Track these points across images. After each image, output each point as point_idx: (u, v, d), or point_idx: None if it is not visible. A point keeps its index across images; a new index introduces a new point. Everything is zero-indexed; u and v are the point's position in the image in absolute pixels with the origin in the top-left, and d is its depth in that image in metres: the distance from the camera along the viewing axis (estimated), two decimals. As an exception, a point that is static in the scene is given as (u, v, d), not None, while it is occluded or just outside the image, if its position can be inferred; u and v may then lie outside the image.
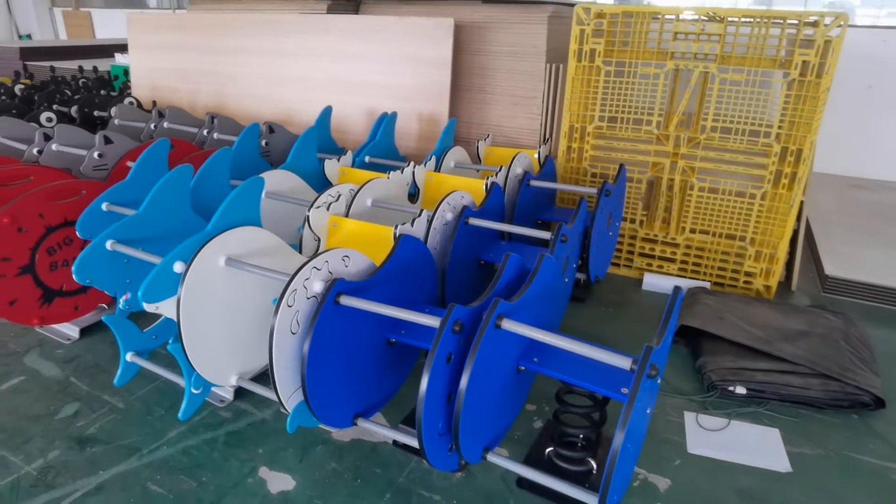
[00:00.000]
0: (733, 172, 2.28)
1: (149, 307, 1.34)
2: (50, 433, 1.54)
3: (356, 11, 3.08)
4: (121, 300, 1.59)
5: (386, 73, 2.83)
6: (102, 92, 3.57)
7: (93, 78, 3.83)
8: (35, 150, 2.30)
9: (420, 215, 1.69)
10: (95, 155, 2.17)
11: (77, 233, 1.73)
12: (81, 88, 3.56)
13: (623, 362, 1.09)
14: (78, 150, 2.30)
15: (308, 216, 1.67)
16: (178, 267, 1.34)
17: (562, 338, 1.17)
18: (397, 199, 2.01)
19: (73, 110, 3.05)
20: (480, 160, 2.59)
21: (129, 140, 2.26)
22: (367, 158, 2.42)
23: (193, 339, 1.34)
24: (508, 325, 1.18)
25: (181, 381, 1.52)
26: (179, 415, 1.48)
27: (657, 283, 2.41)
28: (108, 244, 1.50)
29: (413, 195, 2.18)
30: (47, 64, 4.65)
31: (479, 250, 1.92)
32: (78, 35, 7.50)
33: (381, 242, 1.66)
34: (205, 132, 2.59)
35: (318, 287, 1.26)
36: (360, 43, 2.85)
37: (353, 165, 2.33)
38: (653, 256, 2.50)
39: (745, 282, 2.35)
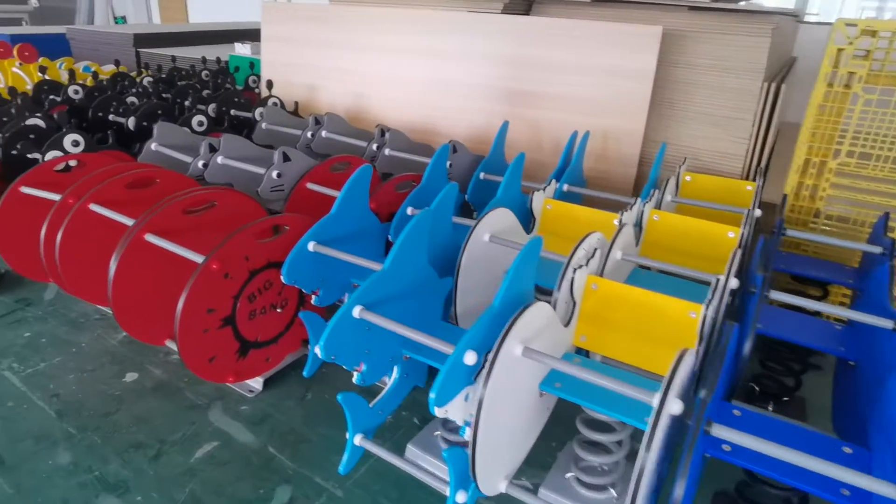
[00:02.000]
0: None
1: (439, 412, 1.05)
2: (267, 528, 1.29)
3: (526, 13, 2.74)
4: (355, 373, 1.32)
5: (566, 84, 2.49)
6: (226, 86, 3.36)
7: (215, 70, 3.62)
8: (200, 164, 2.06)
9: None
10: (274, 175, 1.91)
11: (282, 278, 1.47)
12: (209, 82, 3.34)
13: None
14: (245, 165, 2.05)
15: (573, 278, 1.36)
16: (469, 359, 1.05)
17: None
18: (631, 247, 1.69)
19: (211, 109, 2.82)
20: (677, 189, 2.24)
21: (305, 157, 2.00)
22: (565, 187, 2.09)
23: (486, 445, 1.05)
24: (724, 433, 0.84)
25: (400, 463, 1.25)
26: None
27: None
28: (357, 312, 1.22)
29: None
30: (156, 51, 4.48)
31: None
32: (171, 19, 7.40)
33: (653, 311, 1.35)
34: (374, 147, 2.31)
35: (676, 408, 0.94)
36: (539, 48, 2.51)
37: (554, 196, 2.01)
38: None
39: None
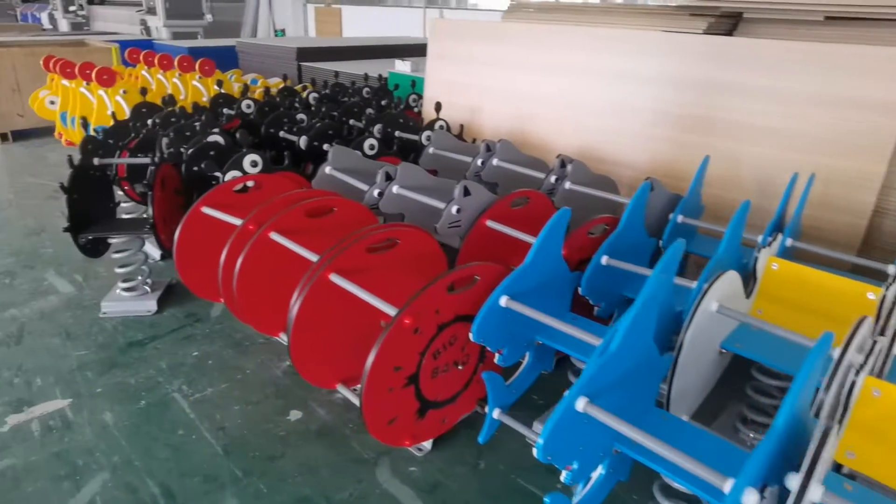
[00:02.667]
0: None
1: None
2: None
3: (729, 34, 2.41)
4: (564, 472, 1.10)
5: (776, 115, 2.13)
6: (382, 104, 3.31)
7: (376, 87, 3.59)
8: (376, 193, 1.96)
9: None
10: (454, 210, 1.76)
11: (471, 335, 1.29)
12: (370, 100, 3.31)
13: None
14: (420, 197, 1.92)
15: (853, 382, 1.06)
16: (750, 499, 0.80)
17: None
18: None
19: (377, 130, 2.75)
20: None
21: (485, 192, 1.83)
22: (788, 242, 1.76)
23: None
24: None
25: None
26: None
27: None
28: (581, 405, 1.00)
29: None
30: (317, 65, 4.59)
31: None
32: (327, 32, 7.70)
33: None
34: (552, 179, 2.10)
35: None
36: (744, 72, 2.18)
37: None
38: None
39: None
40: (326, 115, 2.88)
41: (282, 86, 3.36)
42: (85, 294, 2.33)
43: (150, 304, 2.20)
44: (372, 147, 2.37)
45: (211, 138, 2.21)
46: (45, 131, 4.96)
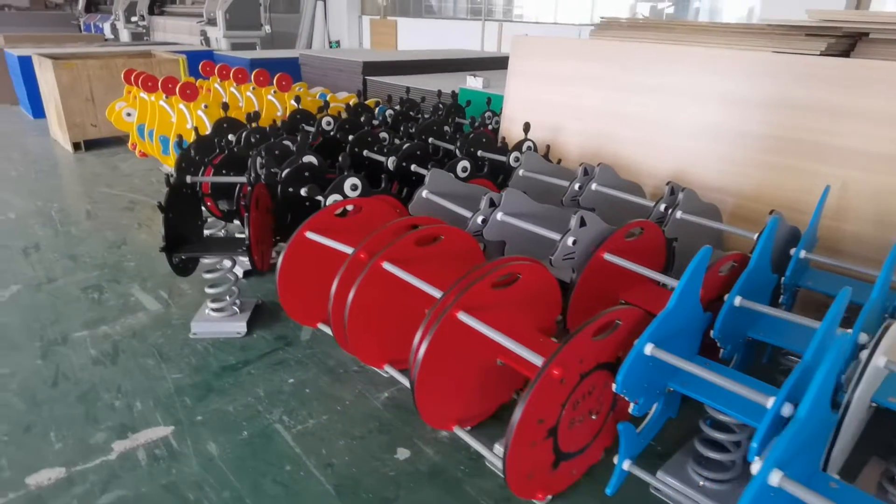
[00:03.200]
0: None
1: None
2: None
3: (845, 54, 2.28)
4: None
5: (901, 143, 2.00)
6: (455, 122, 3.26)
7: (448, 104, 3.54)
8: (479, 220, 1.89)
9: None
10: (570, 242, 1.68)
11: (615, 386, 1.21)
12: (443, 116, 3.26)
13: None
14: (526, 225, 1.85)
15: None
16: None
17: None
18: None
19: (465, 150, 2.69)
20: None
21: (600, 222, 1.74)
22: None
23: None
24: None
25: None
26: None
27: None
28: (775, 479, 0.91)
29: None
30: (383, 80, 4.57)
31: None
32: (382, 44, 7.73)
33: None
34: (661, 207, 2.00)
35: None
36: (870, 97, 2.05)
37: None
38: None
39: None
40: (406, 134, 2.84)
41: (355, 102, 3.33)
42: (172, 312, 2.32)
43: (240, 326, 2.17)
44: (465, 169, 2.31)
45: (305, 159, 2.18)
46: (117, 141, 5.06)
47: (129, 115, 3.75)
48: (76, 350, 2.06)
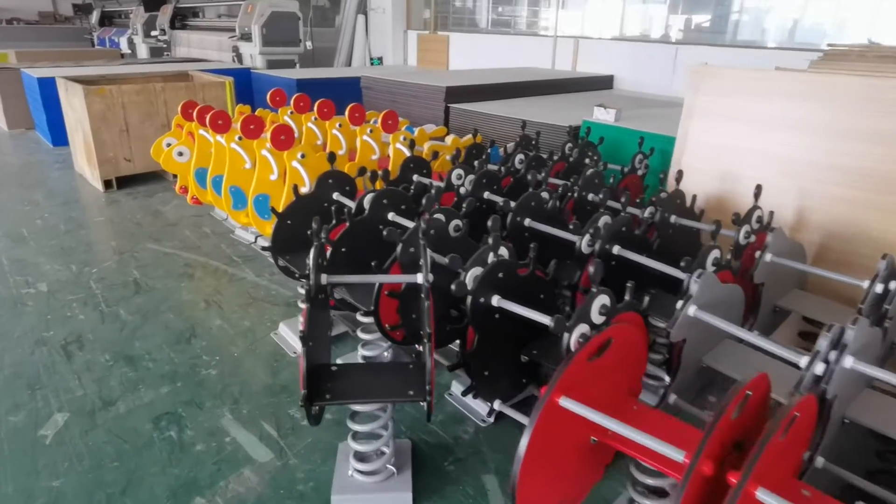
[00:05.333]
0: None
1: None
2: None
3: None
4: None
5: None
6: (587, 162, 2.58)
7: (582, 143, 2.86)
8: (819, 369, 1.19)
9: None
10: None
11: None
12: (572, 157, 2.58)
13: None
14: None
15: None
16: None
17: None
18: None
19: (648, 212, 2.00)
20: None
21: None
22: None
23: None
24: None
25: None
26: None
27: None
28: None
29: None
30: (467, 107, 3.88)
31: None
32: (430, 61, 7.06)
33: None
34: (877, 288, 1.33)
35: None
36: None
37: None
38: None
39: None
40: (568, 192, 2.15)
41: (470, 142, 2.64)
42: (292, 466, 1.62)
43: (405, 499, 1.47)
44: (715, 262, 1.61)
45: (490, 255, 1.49)
46: (153, 177, 4.38)
47: (180, 154, 3.07)
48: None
